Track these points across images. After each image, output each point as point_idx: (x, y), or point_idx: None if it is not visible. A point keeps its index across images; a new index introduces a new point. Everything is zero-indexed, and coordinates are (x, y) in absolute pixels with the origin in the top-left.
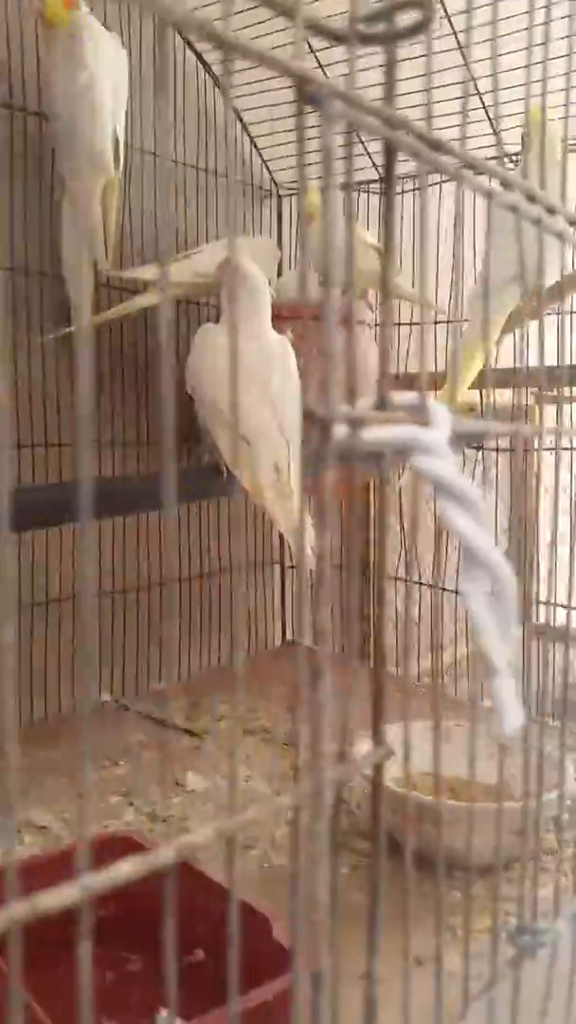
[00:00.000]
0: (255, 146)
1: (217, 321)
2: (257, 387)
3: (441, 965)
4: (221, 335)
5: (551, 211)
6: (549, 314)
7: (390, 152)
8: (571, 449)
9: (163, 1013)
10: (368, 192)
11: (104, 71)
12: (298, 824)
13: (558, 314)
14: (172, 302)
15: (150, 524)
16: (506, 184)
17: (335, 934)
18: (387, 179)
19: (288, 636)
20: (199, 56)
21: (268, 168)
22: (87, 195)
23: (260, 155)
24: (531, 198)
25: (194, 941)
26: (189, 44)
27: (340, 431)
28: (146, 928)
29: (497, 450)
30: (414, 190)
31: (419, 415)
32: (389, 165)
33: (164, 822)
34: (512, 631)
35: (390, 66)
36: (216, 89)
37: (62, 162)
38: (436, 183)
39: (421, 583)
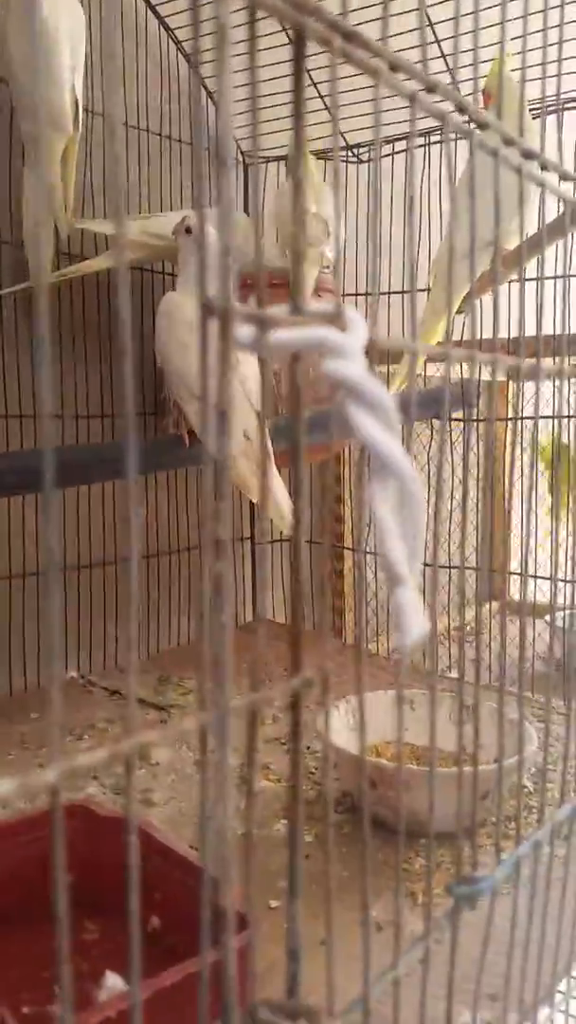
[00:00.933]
0: None
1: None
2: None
3: (400, 930)
4: (184, 304)
5: (528, 156)
6: (522, 279)
7: (299, 41)
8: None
9: (107, 976)
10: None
11: (62, 28)
12: (204, 749)
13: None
14: (130, 266)
15: (116, 497)
16: (461, 109)
17: (252, 872)
18: (296, 74)
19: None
20: (162, 20)
21: (234, 136)
22: (47, 155)
23: None
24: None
25: (151, 909)
26: (152, 8)
27: (245, 332)
28: (105, 897)
29: (476, 420)
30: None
31: (334, 321)
32: (298, 56)
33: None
34: (419, 541)
35: None
36: (179, 54)
37: (21, 123)
38: (421, 145)
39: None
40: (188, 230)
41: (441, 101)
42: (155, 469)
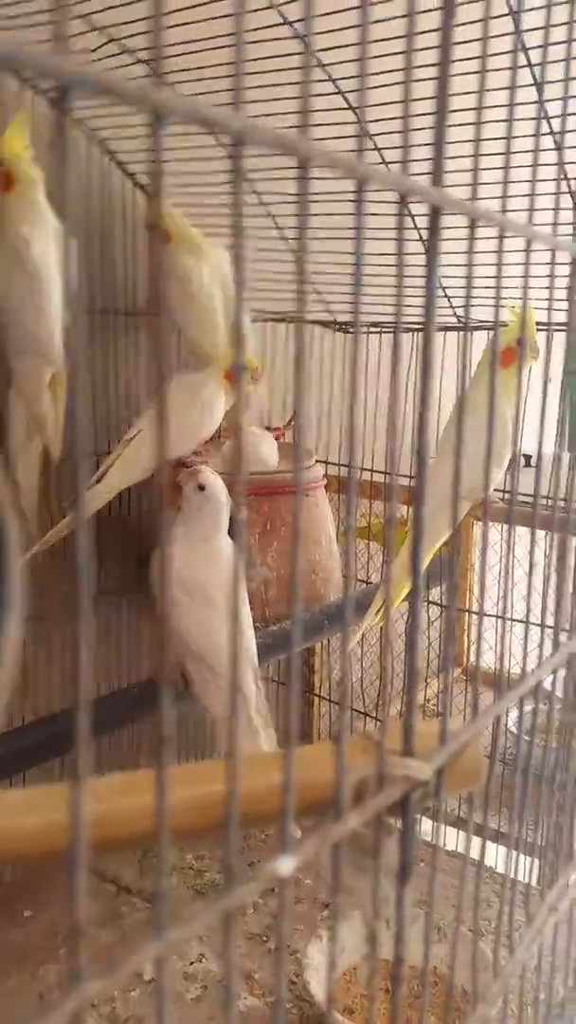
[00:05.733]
0: None
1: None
2: (225, 615)
3: None
4: (183, 562)
5: None
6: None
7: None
8: None
9: None
10: None
11: (52, 264)
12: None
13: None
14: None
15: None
16: None
17: None
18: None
19: None
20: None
21: None
22: (35, 385)
23: None
24: None
25: None
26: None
27: None
28: None
29: None
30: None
31: None
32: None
33: None
34: None
35: None
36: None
37: (8, 351)
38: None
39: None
40: (201, 487)
41: None
42: (149, 712)
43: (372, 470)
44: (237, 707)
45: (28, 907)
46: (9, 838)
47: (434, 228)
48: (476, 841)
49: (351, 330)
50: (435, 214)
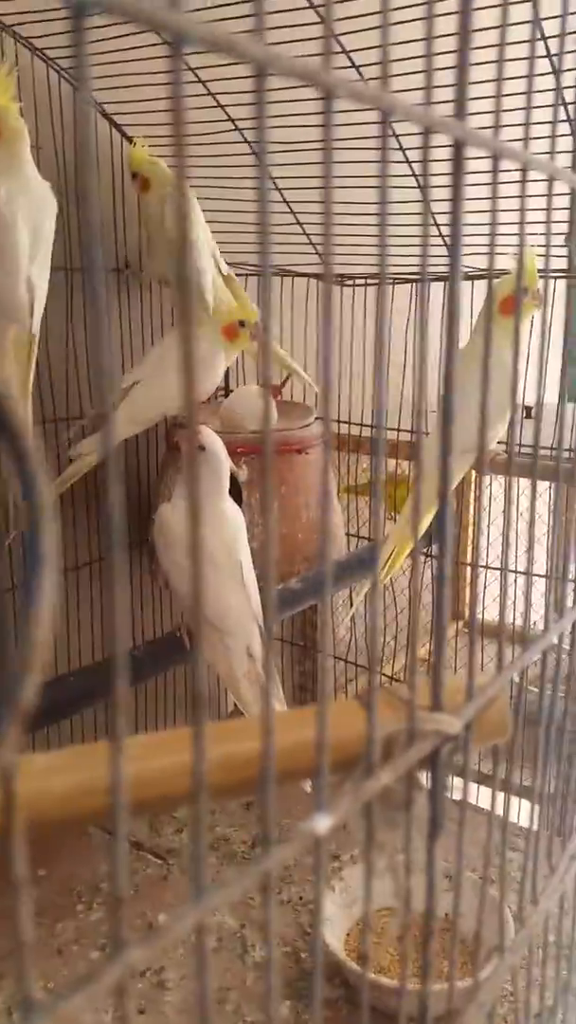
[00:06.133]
0: None
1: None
2: (229, 575)
3: None
4: (183, 521)
5: None
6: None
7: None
8: None
9: None
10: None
11: (21, 216)
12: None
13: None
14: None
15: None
16: None
17: None
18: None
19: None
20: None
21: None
22: None
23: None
24: None
25: None
26: (114, 124)
27: None
28: None
29: None
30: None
31: None
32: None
33: (144, 976)
34: None
35: None
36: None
37: None
38: (392, 282)
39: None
40: (201, 447)
41: None
42: (154, 674)
43: (363, 424)
44: (271, 668)
45: (41, 866)
46: (40, 801)
47: (458, 164)
48: (497, 796)
49: (348, 283)
50: (459, 148)
